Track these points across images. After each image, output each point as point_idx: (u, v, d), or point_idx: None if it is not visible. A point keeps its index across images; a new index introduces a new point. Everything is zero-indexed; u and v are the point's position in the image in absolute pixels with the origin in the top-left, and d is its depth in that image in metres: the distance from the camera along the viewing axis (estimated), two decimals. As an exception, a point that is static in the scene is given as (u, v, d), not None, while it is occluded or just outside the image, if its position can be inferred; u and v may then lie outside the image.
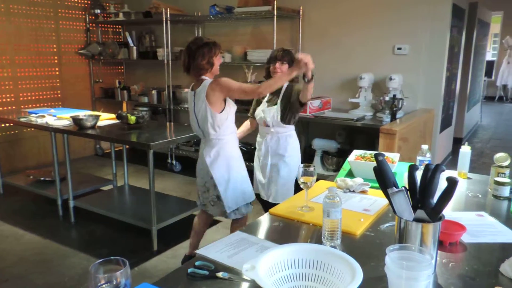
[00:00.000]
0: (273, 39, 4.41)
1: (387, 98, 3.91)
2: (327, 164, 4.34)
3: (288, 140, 2.76)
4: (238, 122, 2.66)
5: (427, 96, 4.23)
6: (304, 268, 1.08)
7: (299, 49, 4.61)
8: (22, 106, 5.03)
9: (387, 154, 2.10)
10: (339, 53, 4.50)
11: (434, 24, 4.05)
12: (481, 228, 1.48)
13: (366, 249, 1.35)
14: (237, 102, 2.60)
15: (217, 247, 1.34)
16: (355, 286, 0.94)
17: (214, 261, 1.25)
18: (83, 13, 5.67)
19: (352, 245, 1.37)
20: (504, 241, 1.40)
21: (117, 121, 3.73)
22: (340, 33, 4.47)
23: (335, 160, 4.28)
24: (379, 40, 4.25)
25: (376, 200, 1.74)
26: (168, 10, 4.96)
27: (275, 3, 4.28)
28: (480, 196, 1.85)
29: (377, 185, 1.25)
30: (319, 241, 1.37)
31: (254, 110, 2.86)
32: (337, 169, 4.01)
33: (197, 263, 1.22)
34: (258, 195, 2.84)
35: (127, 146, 4.27)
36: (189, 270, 1.18)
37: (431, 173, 1.16)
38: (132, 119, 3.55)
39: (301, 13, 4.60)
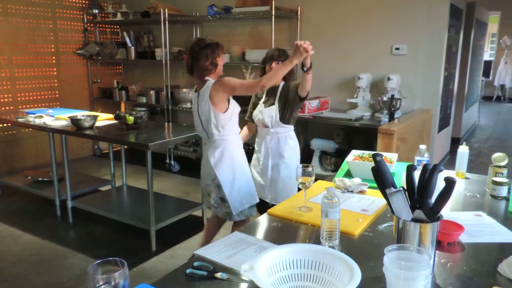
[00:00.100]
0: (271, 39, 4.41)
1: (385, 98, 3.92)
2: (326, 164, 4.34)
3: (288, 141, 2.75)
4: (240, 124, 2.64)
5: (425, 96, 4.24)
6: (303, 269, 1.08)
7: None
8: (20, 107, 5.02)
9: (385, 154, 2.11)
10: (337, 53, 4.50)
11: (432, 24, 4.05)
12: (479, 228, 1.48)
13: (365, 249, 1.35)
14: (238, 103, 2.58)
15: (216, 247, 1.34)
16: (354, 287, 0.94)
17: (213, 261, 1.25)
18: (81, 13, 5.66)
19: (350, 245, 1.37)
20: (502, 241, 1.40)
21: (115, 121, 3.72)
22: (338, 33, 4.48)
23: (334, 160, 4.28)
24: (377, 40, 4.26)
25: (374, 200, 1.74)
26: (166, 10, 4.96)
27: (273, 3, 4.28)
28: (478, 196, 1.85)
29: (375, 185, 1.26)
30: (317, 241, 1.37)
31: (251, 113, 2.84)
32: (336, 169, 4.00)
33: (195, 264, 1.22)
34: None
35: (125, 147, 4.27)
36: (188, 270, 1.18)
37: (429, 173, 1.16)
38: (130, 119, 3.54)
39: (299, 13, 4.61)
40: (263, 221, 1.60)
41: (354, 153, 2.21)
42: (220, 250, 1.32)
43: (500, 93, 11.73)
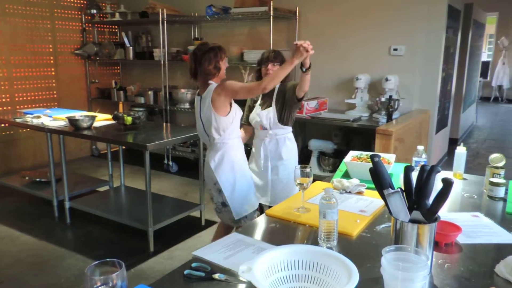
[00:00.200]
0: (270, 39, 4.42)
1: (383, 99, 3.93)
2: (324, 165, 4.35)
3: (287, 143, 2.74)
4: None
5: (423, 97, 4.25)
6: (301, 270, 1.08)
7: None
8: (17, 107, 5.01)
9: (383, 155, 2.11)
10: (335, 54, 4.51)
11: (429, 25, 4.06)
12: (476, 229, 1.48)
13: (362, 250, 1.35)
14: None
15: (214, 248, 1.34)
16: (351, 287, 0.94)
17: (211, 262, 1.25)
18: (79, 13, 5.65)
19: (348, 246, 1.37)
20: (499, 241, 1.40)
21: (113, 121, 3.72)
22: (336, 34, 4.49)
23: (332, 161, 4.28)
24: (375, 41, 4.27)
25: (372, 201, 1.74)
26: (165, 11, 4.96)
27: (271, 3, 4.29)
28: (475, 196, 1.85)
29: (373, 186, 1.26)
30: (315, 242, 1.37)
31: (247, 116, 2.83)
32: (334, 170, 4.01)
33: (193, 265, 1.22)
34: None
35: (123, 147, 4.26)
36: (186, 271, 1.18)
37: (426, 174, 1.17)
38: (129, 119, 3.54)
39: (297, 13, 4.61)
40: (261, 222, 1.60)
41: (352, 154, 2.22)
42: (218, 251, 1.32)
43: (497, 94, 11.75)
